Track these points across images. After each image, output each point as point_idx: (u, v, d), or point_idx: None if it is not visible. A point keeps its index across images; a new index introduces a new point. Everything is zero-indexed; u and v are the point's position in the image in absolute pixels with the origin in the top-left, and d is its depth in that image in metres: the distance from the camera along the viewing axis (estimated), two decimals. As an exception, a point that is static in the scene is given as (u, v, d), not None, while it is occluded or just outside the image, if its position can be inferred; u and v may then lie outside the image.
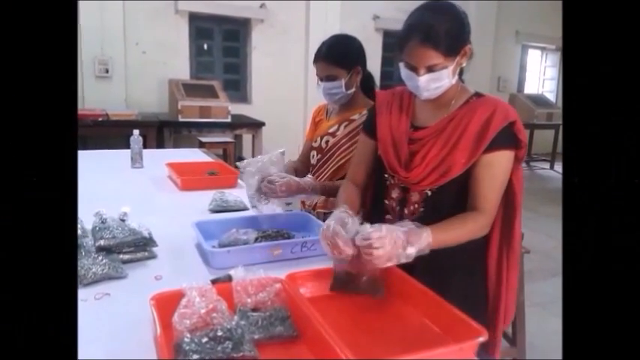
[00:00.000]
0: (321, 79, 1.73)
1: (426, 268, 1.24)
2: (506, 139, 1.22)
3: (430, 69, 1.20)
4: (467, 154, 1.22)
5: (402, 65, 1.25)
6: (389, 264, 1.07)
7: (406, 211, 1.31)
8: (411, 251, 1.08)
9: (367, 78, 1.81)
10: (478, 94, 1.31)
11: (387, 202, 1.36)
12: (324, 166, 1.79)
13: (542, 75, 9.46)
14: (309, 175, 1.72)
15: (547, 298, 3.07)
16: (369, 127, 1.44)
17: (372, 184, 1.46)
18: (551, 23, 8.07)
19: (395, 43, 1.28)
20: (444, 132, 1.26)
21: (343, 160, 1.74)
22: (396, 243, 1.06)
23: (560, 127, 7.61)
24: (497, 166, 1.22)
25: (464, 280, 1.32)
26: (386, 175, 1.37)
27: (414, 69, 1.22)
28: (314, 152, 1.86)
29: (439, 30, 1.16)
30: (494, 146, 1.21)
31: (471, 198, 1.24)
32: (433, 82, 1.22)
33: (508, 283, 1.36)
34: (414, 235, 1.09)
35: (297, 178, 1.59)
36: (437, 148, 1.25)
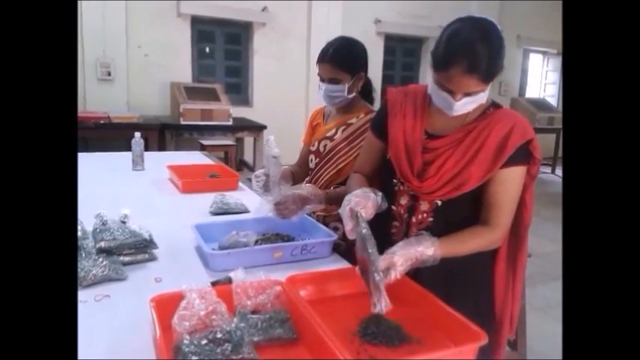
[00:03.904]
0: (324, 81, 1.72)
1: (433, 275, 1.24)
2: (522, 155, 1.22)
3: (468, 94, 1.17)
4: (483, 169, 1.21)
5: (435, 85, 1.20)
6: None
7: (414, 220, 1.29)
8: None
9: (366, 83, 1.80)
10: (495, 105, 1.29)
11: (394, 208, 1.33)
12: (323, 170, 1.79)
13: (543, 79, 9.46)
14: (310, 184, 1.70)
15: (547, 301, 3.07)
16: (378, 127, 1.40)
17: (375, 183, 1.44)
18: (552, 27, 8.08)
19: (431, 60, 1.20)
20: (462, 144, 1.24)
21: (342, 164, 1.73)
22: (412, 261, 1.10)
23: (562, 130, 7.60)
24: (512, 181, 1.22)
25: (471, 288, 1.31)
26: (395, 181, 1.34)
27: (450, 92, 1.17)
28: (312, 156, 1.86)
29: (484, 58, 1.11)
30: (509, 162, 1.20)
31: (485, 212, 1.23)
32: (468, 104, 1.19)
33: (514, 293, 1.36)
34: (425, 243, 1.13)
35: (299, 191, 1.55)
36: (453, 160, 1.23)
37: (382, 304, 1.01)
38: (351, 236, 1.14)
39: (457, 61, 1.12)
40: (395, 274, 1.07)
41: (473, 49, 1.11)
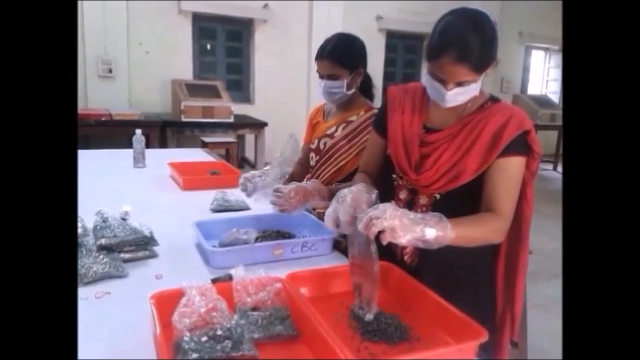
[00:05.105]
0: (323, 77, 1.72)
1: (433, 271, 1.24)
2: (520, 146, 1.20)
3: (460, 84, 1.17)
4: (478, 160, 1.20)
5: (428, 75, 1.21)
6: (408, 237, 1.00)
7: None
8: (430, 233, 1.02)
9: (366, 79, 1.80)
10: (493, 99, 1.29)
11: (393, 202, 1.33)
12: (323, 168, 1.78)
13: (545, 76, 9.44)
14: (314, 180, 1.70)
15: (548, 299, 3.07)
16: (379, 125, 1.41)
17: (379, 182, 1.43)
18: (554, 24, 8.04)
19: (425, 51, 1.21)
20: (458, 137, 1.24)
21: (343, 162, 1.73)
22: (404, 215, 1.01)
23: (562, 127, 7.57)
24: (511, 170, 1.20)
25: (471, 286, 1.31)
26: (394, 175, 1.35)
27: (442, 82, 1.18)
28: (312, 154, 1.85)
29: (474, 47, 1.12)
30: (507, 152, 1.19)
31: (487, 201, 1.21)
32: (460, 95, 1.19)
33: (516, 292, 1.35)
34: (432, 217, 1.04)
35: (303, 184, 1.54)
36: (449, 153, 1.23)
37: (370, 314, 1.05)
38: (345, 231, 1.13)
39: (448, 49, 1.13)
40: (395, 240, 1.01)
41: (463, 38, 1.12)
